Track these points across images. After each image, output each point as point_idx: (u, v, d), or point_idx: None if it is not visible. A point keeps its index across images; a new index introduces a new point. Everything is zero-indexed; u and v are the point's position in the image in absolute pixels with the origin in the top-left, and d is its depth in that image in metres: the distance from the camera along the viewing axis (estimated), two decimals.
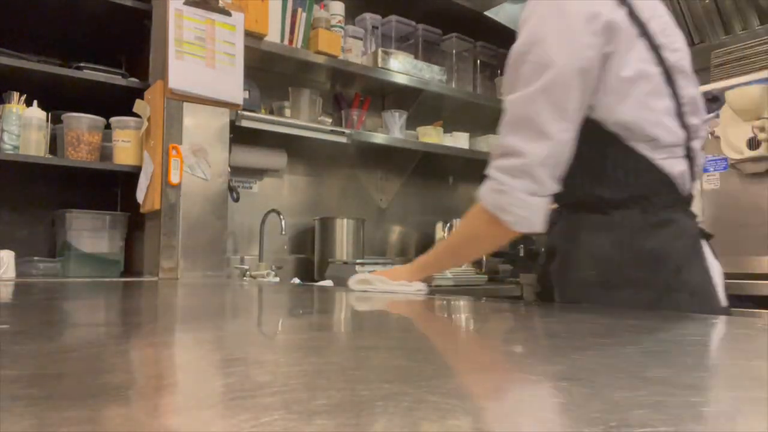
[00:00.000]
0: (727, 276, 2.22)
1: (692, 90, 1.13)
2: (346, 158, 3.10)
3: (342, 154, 3.06)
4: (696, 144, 1.13)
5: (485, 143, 3.24)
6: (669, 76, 1.09)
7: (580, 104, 1.04)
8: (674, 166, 1.09)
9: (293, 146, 2.81)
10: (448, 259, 1.32)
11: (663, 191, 1.09)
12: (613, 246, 1.09)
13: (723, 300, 1.14)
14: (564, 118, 1.02)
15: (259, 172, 2.81)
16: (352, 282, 1.39)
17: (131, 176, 2.23)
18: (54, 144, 2.15)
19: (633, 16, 1.06)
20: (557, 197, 1.11)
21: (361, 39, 2.86)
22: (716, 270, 1.14)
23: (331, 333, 0.80)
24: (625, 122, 1.06)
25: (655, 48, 1.08)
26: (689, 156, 1.12)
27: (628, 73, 1.05)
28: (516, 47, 1.08)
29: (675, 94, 1.09)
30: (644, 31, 1.07)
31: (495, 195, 1.07)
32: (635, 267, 1.07)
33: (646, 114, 1.06)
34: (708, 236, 1.17)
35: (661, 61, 1.08)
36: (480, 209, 1.10)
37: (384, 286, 1.30)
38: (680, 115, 1.10)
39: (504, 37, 3.21)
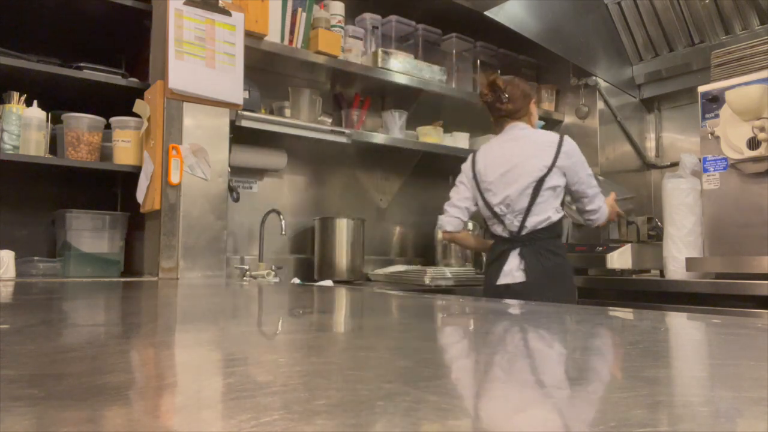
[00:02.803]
0: (727, 276, 2.25)
1: (494, 198, 2.27)
2: (346, 158, 3.10)
3: (342, 154, 3.06)
4: (508, 218, 2.24)
5: (485, 143, 3.23)
6: (482, 193, 2.33)
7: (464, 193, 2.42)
8: (493, 226, 2.32)
9: (293, 146, 2.81)
10: None
11: (494, 237, 2.34)
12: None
13: (498, 281, 2.25)
14: (457, 192, 2.41)
15: (259, 172, 2.81)
16: None
17: (131, 176, 2.23)
18: (54, 144, 2.15)
19: (474, 169, 2.37)
20: None
21: (361, 39, 2.86)
22: (507, 267, 2.24)
23: (330, 333, 0.80)
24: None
25: (477, 181, 2.35)
26: (501, 221, 2.26)
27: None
28: None
29: (485, 199, 2.31)
30: (475, 175, 2.36)
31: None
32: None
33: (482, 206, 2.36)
34: (521, 252, 2.24)
35: (478, 186, 2.35)
36: None
37: None
38: (489, 207, 2.30)
39: (504, 37, 3.21)
